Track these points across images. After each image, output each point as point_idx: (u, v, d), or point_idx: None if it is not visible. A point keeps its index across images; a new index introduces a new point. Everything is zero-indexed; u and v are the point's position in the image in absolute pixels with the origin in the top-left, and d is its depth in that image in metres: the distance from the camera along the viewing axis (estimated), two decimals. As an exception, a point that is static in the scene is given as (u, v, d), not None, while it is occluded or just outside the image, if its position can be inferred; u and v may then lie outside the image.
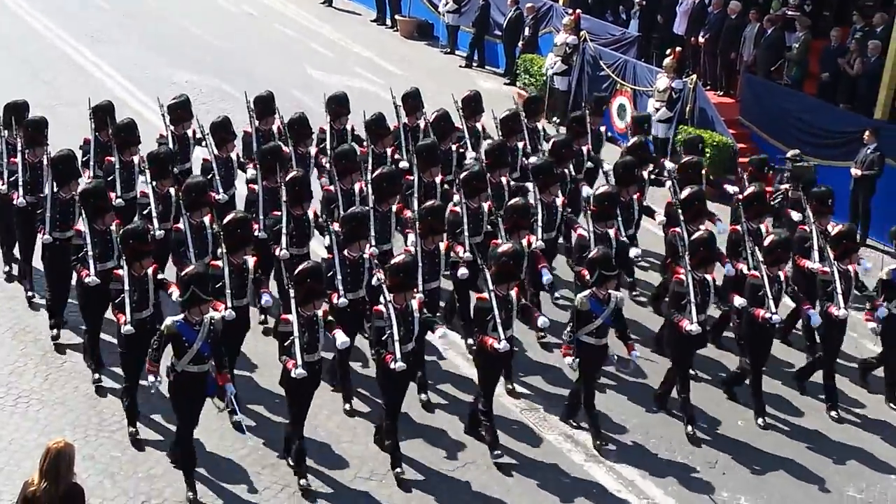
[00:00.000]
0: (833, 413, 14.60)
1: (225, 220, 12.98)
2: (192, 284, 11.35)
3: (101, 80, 24.06)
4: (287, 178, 14.33)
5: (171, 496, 11.65)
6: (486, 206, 15.12)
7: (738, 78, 23.82)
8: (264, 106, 17.19)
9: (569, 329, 12.91)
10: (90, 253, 12.62)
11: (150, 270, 12.19)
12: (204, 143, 16.14)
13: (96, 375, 13.36)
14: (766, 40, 23.19)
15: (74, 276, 13.28)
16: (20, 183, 14.32)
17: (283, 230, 14.11)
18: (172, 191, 14.31)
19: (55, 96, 22.64)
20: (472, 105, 18.47)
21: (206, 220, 13.63)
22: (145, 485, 11.73)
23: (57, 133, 15.99)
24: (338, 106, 17.50)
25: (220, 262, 12.68)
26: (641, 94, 23.36)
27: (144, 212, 14.25)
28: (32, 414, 12.73)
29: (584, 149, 18.11)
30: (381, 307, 12.00)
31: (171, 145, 16.02)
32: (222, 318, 11.84)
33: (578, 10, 25.43)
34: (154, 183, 14.30)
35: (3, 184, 14.56)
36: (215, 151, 15.70)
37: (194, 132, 16.54)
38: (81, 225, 12.83)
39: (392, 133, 17.36)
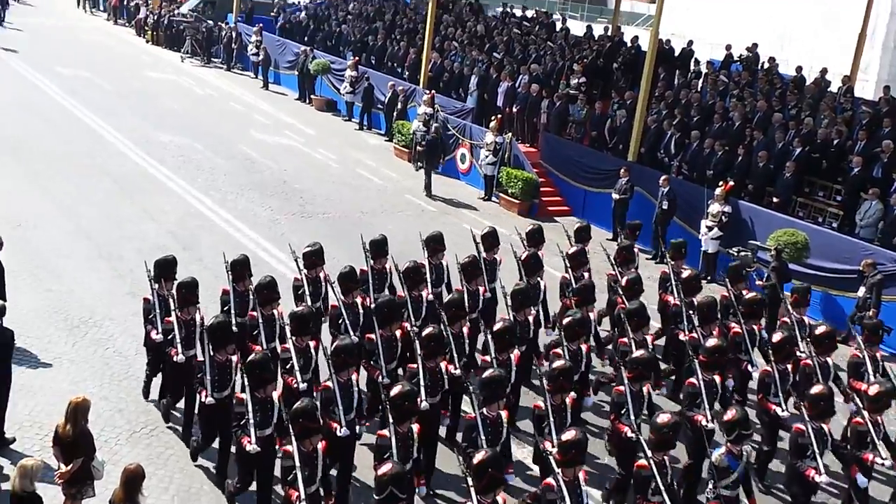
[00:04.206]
0: None
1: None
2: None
3: (110, 140, 23.60)
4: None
5: (162, 424, 11.38)
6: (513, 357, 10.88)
7: (539, 135, 23.89)
8: (378, 249, 12.91)
9: (710, 487, 9.48)
10: (251, 421, 9.06)
11: (319, 446, 8.68)
12: (333, 286, 12.02)
13: None
14: (555, 110, 23.50)
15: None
16: (177, 341, 10.68)
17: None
18: (312, 344, 10.71)
19: (93, 166, 22.20)
20: (490, 240, 13.88)
21: (353, 378, 9.86)
22: (144, 416, 11.51)
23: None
24: (434, 244, 13.33)
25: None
26: (475, 147, 23.42)
27: (287, 366, 10.50)
28: (63, 369, 12.37)
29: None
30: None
31: (306, 287, 12.25)
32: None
33: (433, 91, 25.43)
34: (294, 338, 10.51)
35: (157, 333, 11.02)
36: (342, 297, 11.67)
37: (326, 277, 12.43)
38: (243, 393, 9.20)
39: (474, 263, 12.92)
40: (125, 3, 43.54)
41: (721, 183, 18.77)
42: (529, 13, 33.29)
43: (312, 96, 31.04)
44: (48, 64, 31.75)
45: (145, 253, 16.22)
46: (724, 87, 23.68)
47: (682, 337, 12.75)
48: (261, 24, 34.72)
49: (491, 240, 13.78)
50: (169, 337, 10.79)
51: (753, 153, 19.62)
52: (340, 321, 11.44)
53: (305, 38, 33.33)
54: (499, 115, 23.81)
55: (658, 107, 22.21)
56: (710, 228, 18.49)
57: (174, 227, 18.00)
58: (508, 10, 33.99)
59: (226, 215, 19.02)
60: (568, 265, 13.81)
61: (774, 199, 18.99)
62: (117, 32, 41.47)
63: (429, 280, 12.77)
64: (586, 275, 13.77)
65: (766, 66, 25.43)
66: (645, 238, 19.89)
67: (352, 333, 11.20)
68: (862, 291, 15.93)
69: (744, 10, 39.39)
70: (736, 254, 16.74)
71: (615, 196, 20.35)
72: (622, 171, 20.32)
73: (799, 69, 25.09)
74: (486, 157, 22.45)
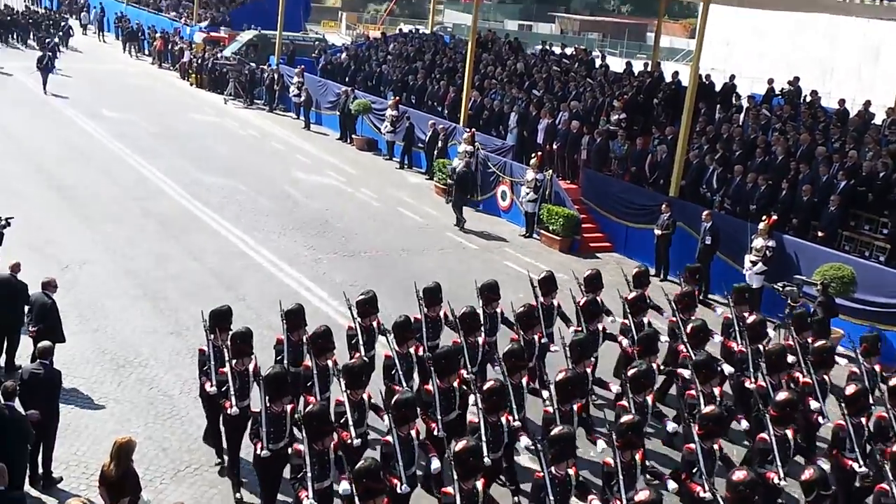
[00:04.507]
0: None
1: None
2: None
3: (155, 182, 23.89)
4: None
5: (205, 462, 11.43)
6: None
7: (579, 171, 23.86)
8: (432, 296, 12.46)
9: None
10: (309, 475, 8.76)
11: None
12: (388, 336, 11.80)
13: None
14: (596, 146, 23.48)
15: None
16: (232, 393, 10.42)
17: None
18: (365, 396, 10.21)
19: (130, 195, 22.52)
20: (548, 284, 13.44)
21: (413, 433, 9.40)
22: (188, 455, 11.57)
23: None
24: (489, 293, 12.83)
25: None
26: (516, 184, 23.46)
27: (341, 420, 10.04)
28: (109, 409, 12.47)
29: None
30: None
31: (360, 336, 11.82)
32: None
33: (473, 129, 25.47)
34: (348, 391, 10.07)
35: (211, 385, 10.68)
36: (396, 347, 11.39)
37: (379, 325, 12.08)
38: (301, 445, 8.89)
39: (530, 313, 12.41)
40: (169, 47, 44.28)
41: (765, 217, 18.57)
42: (568, 50, 33.42)
43: (353, 136, 31.28)
44: (96, 108, 32.33)
45: (189, 292, 16.53)
46: (766, 121, 23.52)
47: (748, 385, 12.18)
48: (302, 66, 35.17)
49: (549, 284, 13.38)
50: (223, 388, 10.54)
51: (797, 187, 19.44)
52: (394, 371, 11.18)
53: (346, 79, 33.65)
54: (539, 153, 23.80)
55: (699, 141, 22.11)
56: (754, 263, 18.25)
57: (217, 267, 18.15)
58: (547, 47, 34.13)
59: (268, 255, 19.16)
60: (628, 311, 13.39)
61: (820, 233, 18.77)
62: (162, 76, 42.16)
63: (483, 329, 12.29)
64: (646, 321, 13.30)
65: (809, 99, 25.25)
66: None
67: (405, 384, 10.98)
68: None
69: (784, 44, 39.33)
70: (781, 289, 16.45)
71: (657, 231, 20.24)
72: (664, 206, 20.22)
73: (842, 102, 24.87)
74: (527, 194, 22.45)
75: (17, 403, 10.05)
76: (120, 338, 14.61)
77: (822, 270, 16.80)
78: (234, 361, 10.58)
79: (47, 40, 40.49)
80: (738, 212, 19.98)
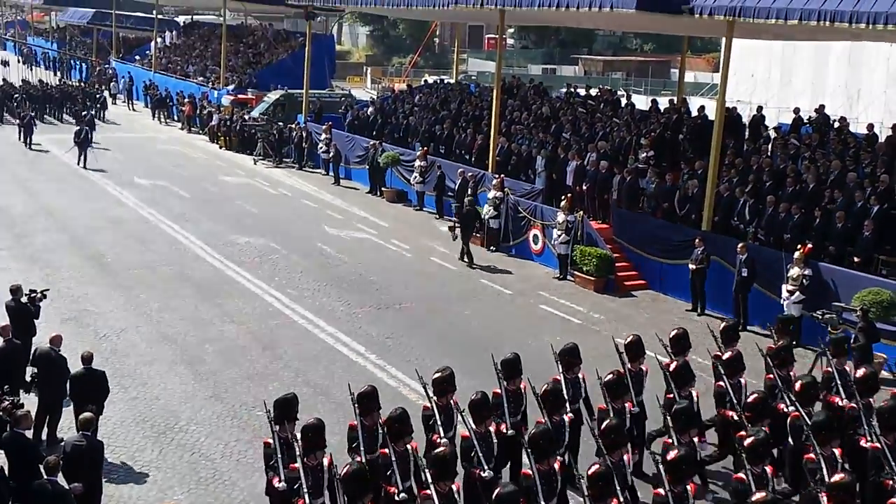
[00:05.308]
0: None
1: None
2: None
3: (188, 246, 24.10)
4: None
5: None
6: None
7: (610, 211, 23.79)
8: (511, 369, 11.50)
9: None
10: None
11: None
12: (464, 415, 10.66)
13: None
14: (626, 185, 23.46)
15: None
16: (304, 490, 9.41)
17: None
18: (454, 487, 9.24)
19: (159, 259, 22.75)
20: (635, 349, 12.38)
21: None
22: (231, 519, 11.60)
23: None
24: (570, 357, 11.93)
25: None
26: (547, 227, 23.43)
27: None
28: (151, 478, 12.46)
29: None
30: None
31: (437, 417, 10.84)
32: None
33: (502, 175, 25.59)
34: (434, 483, 9.11)
35: (280, 482, 9.74)
36: (474, 427, 10.43)
37: (456, 403, 10.96)
38: None
39: (619, 381, 11.61)
40: (198, 111, 44.92)
41: (800, 246, 18.41)
42: (593, 91, 33.46)
43: (383, 189, 31.46)
44: (128, 177, 32.80)
45: (226, 355, 16.60)
46: (794, 150, 23.39)
47: (864, 444, 10.92)
48: (330, 122, 35.51)
49: (636, 349, 12.27)
50: (295, 486, 9.55)
51: (831, 214, 19.27)
52: (473, 454, 10.28)
53: (374, 132, 33.93)
54: (569, 194, 23.79)
55: (729, 174, 22.00)
56: (791, 293, 18.09)
57: (254, 327, 18.23)
58: (572, 90, 34.25)
59: (304, 312, 19.22)
60: (723, 372, 12.26)
61: (856, 259, 18.55)
62: (192, 140, 42.74)
63: (567, 397, 11.36)
64: (742, 381, 12.21)
65: (837, 125, 25.09)
66: (726, 306, 19.63)
67: (485, 466, 10.19)
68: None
69: (808, 73, 39.20)
70: (821, 317, 16.25)
71: (692, 266, 20.11)
72: (697, 240, 20.12)
73: (870, 127, 24.71)
74: (559, 236, 22.41)
75: (60, 477, 10.10)
76: (159, 404, 14.66)
77: (861, 296, 16.61)
78: (305, 456, 9.65)
79: (83, 113, 41.13)
80: (773, 242, 19.82)
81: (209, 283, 21.02)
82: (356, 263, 23.14)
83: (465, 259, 23.48)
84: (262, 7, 57.24)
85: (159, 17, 60.35)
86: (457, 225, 24.32)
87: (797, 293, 17.99)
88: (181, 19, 70.61)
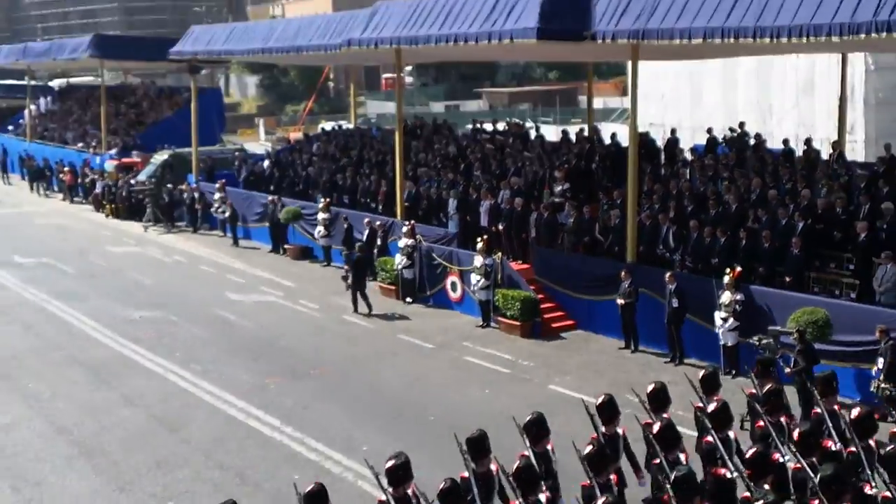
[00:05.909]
0: None
1: None
2: None
3: (78, 326, 23.41)
4: None
5: None
6: None
7: (529, 250, 23.83)
8: (477, 447, 10.55)
9: None
10: None
11: None
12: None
13: None
14: (544, 221, 23.52)
15: None
16: None
17: None
18: None
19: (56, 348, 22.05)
20: (609, 411, 11.48)
21: None
22: None
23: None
24: (538, 429, 10.99)
25: None
26: (465, 273, 23.34)
27: None
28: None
29: None
30: None
31: None
32: None
33: (413, 221, 25.44)
34: None
35: None
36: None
37: (415, 492, 9.79)
38: None
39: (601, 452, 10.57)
40: (80, 179, 44.06)
41: (728, 270, 18.63)
42: (500, 126, 33.76)
43: (286, 246, 31.15)
44: (6, 256, 31.88)
45: (129, 443, 16.04)
46: (713, 172, 23.82)
47: (868, 491, 9.98)
48: (223, 180, 35.08)
49: (609, 410, 11.46)
50: None
51: (757, 234, 19.61)
52: None
53: (272, 187, 33.67)
54: (485, 236, 23.67)
55: (650, 201, 22.27)
56: (724, 320, 18.27)
57: (157, 410, 17.70)
58: (479, 125, 34.50)
59: (210, 387, 18.75)
60: (710, 426, 11.32)
61: (787, 279, 18.88)
62: (75, 211, 41.84)
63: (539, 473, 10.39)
64: (731, 434, 11.44)
65: (754, 142, 25.69)
66: (660, 340, 19.75)
67: None
68: (881, 362, 15.79)
69: (718, 91, 40.21)
70: (758, 342, 16.43)
71: (620, 301, 20.20)
72: (623, 273, 20.23)
73: (786, 142, 25.39)
74: (478, 281, 22.35)
75: None
76: (58, 504, 14.06)
77: (796, 317, 16.85)
78: None
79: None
80: (701, 268, 20.07)
81: (103, 365, 20.39)
82: (263, 329, 22.75)
83: (365, 310, 23.52)
84: (142, 64, 56.54)
85: (32, 83, 59.13)
86: (349, 273, 24.22)
87: (731, 320, 18.18)
88: (56, 83, 69.36)
